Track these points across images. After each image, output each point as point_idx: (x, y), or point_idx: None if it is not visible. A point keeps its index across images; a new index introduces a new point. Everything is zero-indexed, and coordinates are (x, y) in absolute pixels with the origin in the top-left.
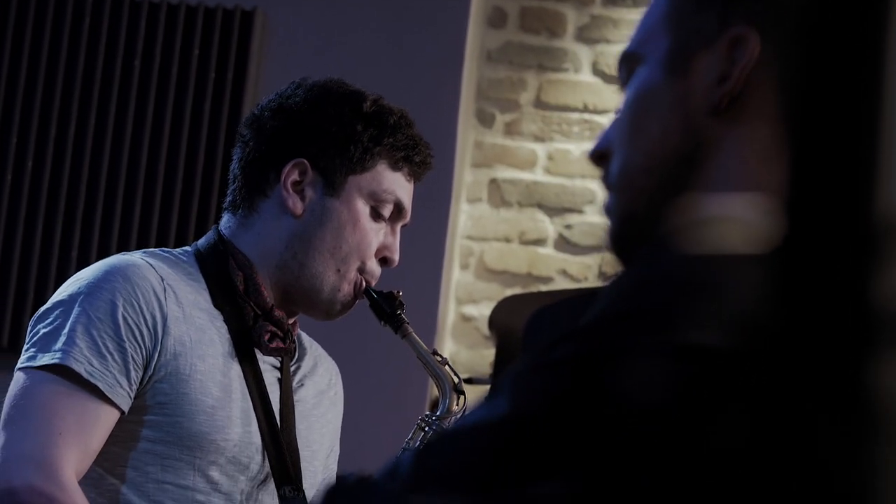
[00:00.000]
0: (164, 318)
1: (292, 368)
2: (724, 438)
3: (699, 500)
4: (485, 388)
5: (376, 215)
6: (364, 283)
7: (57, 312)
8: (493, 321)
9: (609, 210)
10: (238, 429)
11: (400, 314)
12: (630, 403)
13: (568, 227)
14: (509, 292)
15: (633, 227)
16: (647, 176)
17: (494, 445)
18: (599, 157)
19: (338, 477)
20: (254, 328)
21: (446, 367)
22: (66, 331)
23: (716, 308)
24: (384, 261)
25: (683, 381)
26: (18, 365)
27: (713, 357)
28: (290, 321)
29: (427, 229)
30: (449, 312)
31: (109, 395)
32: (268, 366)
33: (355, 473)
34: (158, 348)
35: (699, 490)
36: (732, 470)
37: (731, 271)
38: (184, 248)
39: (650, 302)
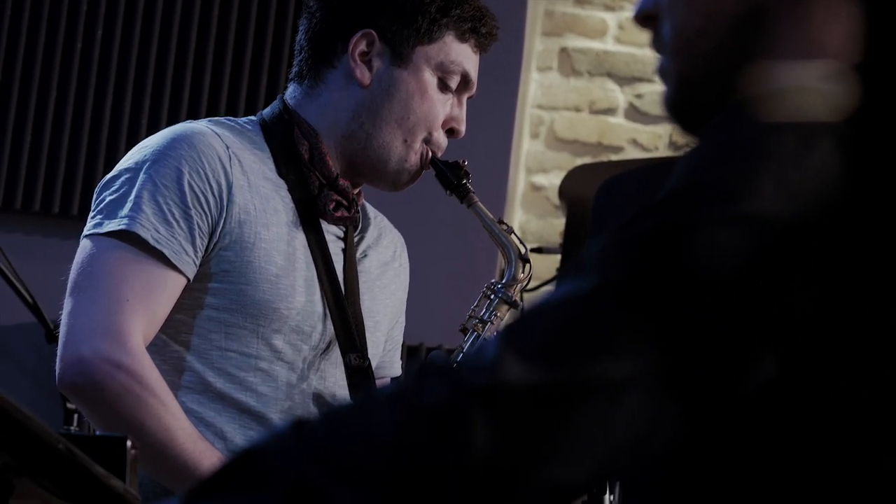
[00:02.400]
0: (230, 186)
1: (356, 239)
2: (800, 306)
3: (774, 367)
4: (555, 258)
5: (443, 86)
6: (430, 154)
7: (123, 179)
8: (564, 191)
9: (663, 73)
10: (301, 297)
11: (466, 184)
12: (706, 274)
13: (638, 96)
14: (579, 162)
15: (691, 90)
16: (705, 38)
17: (576, 319)
18: (646, 17)
19: (428, 357)
20: (319, 197)
21: (512, 235)
22: (132, 198)
23: (792, 178)
24: (451, 132)
25: (757, 251)
26: (85, 232)
27: (788, 227)
28: (355, 191)
29: (497, 98)
30: (519, 182)
31: (175, 262)
32: (332, 236)
33: (443, 354)
34: (223, 216)
35: (774, 357)
36: (809, 338)
37: (807, 140)
38: (249, 117)
39: (726, 173)
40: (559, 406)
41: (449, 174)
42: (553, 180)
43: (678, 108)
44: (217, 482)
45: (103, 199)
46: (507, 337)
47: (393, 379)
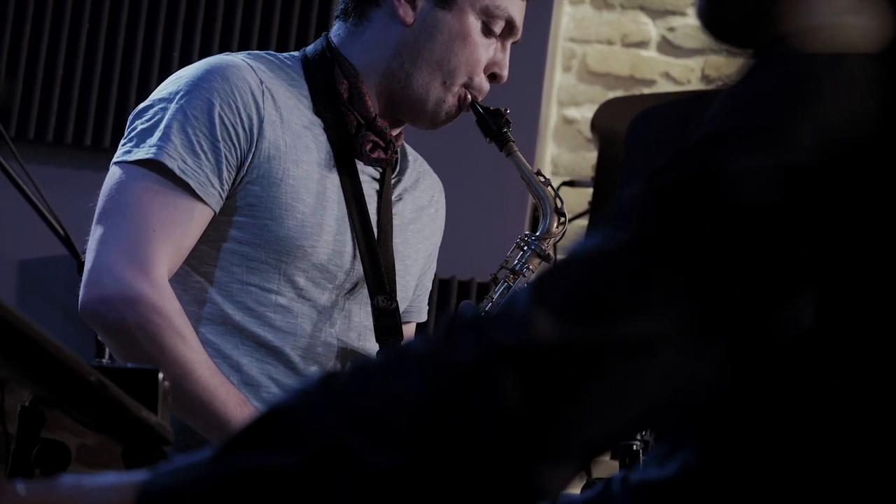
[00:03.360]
0: (261, 121)
1: (393, 181)
2: (836, 251)
3: (811, 314)
4: (587, 191)
5: (487, 31)
6: (470, 97)
7: (156, 109)
8: (596, 124)
9: None
10: (329, 237)
11: (506, 132)
12: (737, 224)
13: (671, 29)
14: (612, 95)
15: (720, 4)
16: None
17: (607, 276)
18: None
19: (456, 311)
20: (355, 137)
21: (549, 188)
22: (162, 127)
23: (830, 122)
24: (493, 76)
25: (791, 199)
26: (114, 159)
27: (824, 173)
28: (394, 132)
29: (530, 31)
30: (551, 115)
31: (200, 194)
32: (367, 177)
33: (472, 306)
34: (252, 150)
35: (810, 304)
36: (847, 283)
37: (845, 81)
38: (292, 53)
39: (762, 121)
40: (592, 365)
41: (490, 121)
42: (585, 113)
43: (707, 19)
44: (248, 439)
45: (135, 128)
46: (539, 292)
47: (419, 325)
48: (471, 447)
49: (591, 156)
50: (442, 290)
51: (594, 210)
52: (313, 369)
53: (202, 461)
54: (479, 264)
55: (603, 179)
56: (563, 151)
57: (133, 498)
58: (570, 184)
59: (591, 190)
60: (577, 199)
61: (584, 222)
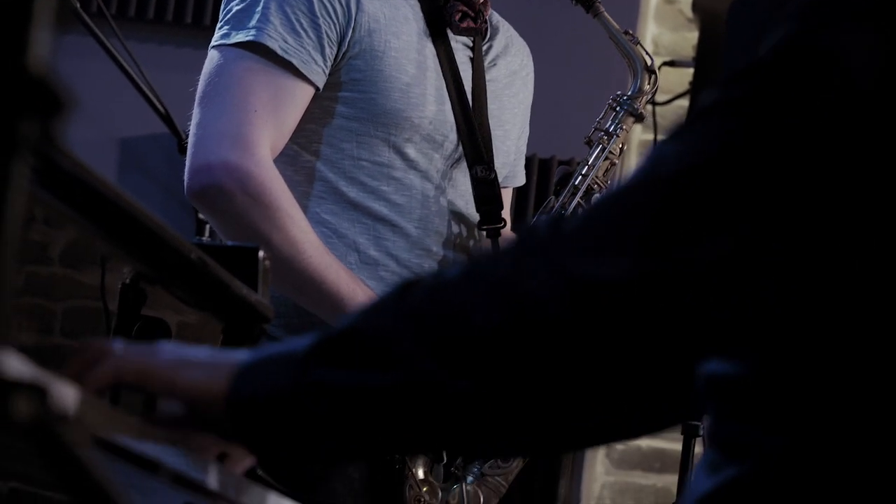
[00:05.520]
0: None
1: (484, 48)
2: None
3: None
4: (687, 72)
5: None
6: None
7: None
8: (697, 3)
9: None
10: (432, 106)
11: None
12: (826, 141)
13: None
14: None
15: None
16: None
17: (685, 199)
18: None
19: (531, 224)
20: (445, 7)
21: (638, 46)
22: (259, 8)
23: None
24: None
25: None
26: (212, 43)
27: None
28: (481, 0)
29: None
30: None
31: (304, 72)
32: (460, 45)
33: (550, 219)
34: (352, 24)
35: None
36: None
37: None
38: None
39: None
40: (669, 294)
41: None
42: None
43: None
44: (334, 353)
45: (230, 10)
46: (617, 216)
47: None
48: (547, 375)
49: (692, 36)
50: (542, 170)
51: (695, 90)
52: (430, 241)
53: (292, 359)
54: (578, 143)
55: (704, 60)
56: (663, 31)
57: (225, 389)
58: (671, 64)
59: (691, 70)
60: (678, 80)
61: (684, 102)
